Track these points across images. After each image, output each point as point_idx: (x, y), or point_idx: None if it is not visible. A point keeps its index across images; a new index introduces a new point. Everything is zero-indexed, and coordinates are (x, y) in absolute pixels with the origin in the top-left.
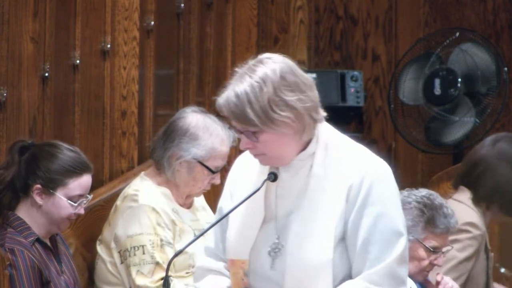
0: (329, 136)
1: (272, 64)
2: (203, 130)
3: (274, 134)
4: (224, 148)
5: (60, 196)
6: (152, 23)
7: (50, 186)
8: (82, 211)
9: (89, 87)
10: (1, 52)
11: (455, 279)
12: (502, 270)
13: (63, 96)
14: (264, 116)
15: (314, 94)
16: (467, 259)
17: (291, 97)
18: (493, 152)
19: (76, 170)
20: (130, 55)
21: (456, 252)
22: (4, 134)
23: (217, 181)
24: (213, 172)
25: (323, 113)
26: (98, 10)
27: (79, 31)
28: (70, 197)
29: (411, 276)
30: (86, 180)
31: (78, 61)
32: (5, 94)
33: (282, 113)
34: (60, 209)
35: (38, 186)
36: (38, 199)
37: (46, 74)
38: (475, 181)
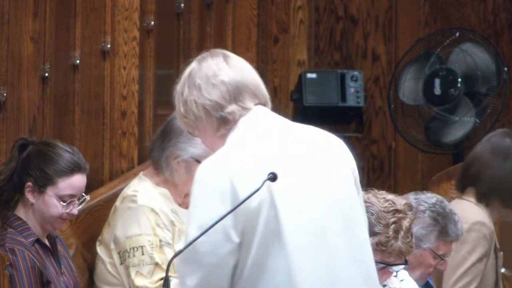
0: (236, 134)
1: (193, 63)
2: None
3: (194, 131)
4: None
5: (50, 194)
6: (152, 23)
7: (40, 184)
8: (75, 211)
9: (89, 87)
10: (1, 52)
11: (469, 283)
12: (502, 270)
13: (63, 96)
14: (178, 113)
15: (219, 91)
16: (479, 260)
17: (189, 97)
18: (487, 147)
19: (67, 169)
20: (130, 55)
21: (466, 254)
22: (4, 134)
23: None
24: None
25: (232, 109)
26: (98, 10)
27: (79, 31)
28: (60, 196)
29: (416, 280)
30: (77, 180)
31: (78, 61)
32: (5, 94)
33: (183, 112)
34: (49, 207)
35: (30, 184)
36: (30, 197)
37: (46, 74)
38: (473, 179)
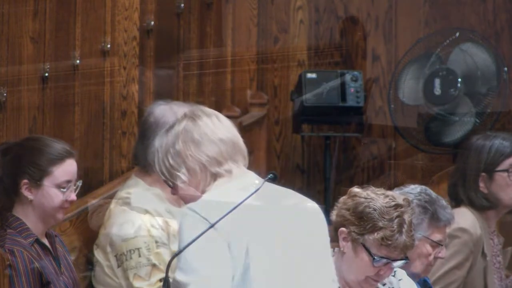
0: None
1: (185, 120)
2: (172, 117)
3: (176, 181)
4: None
5: (48, 185)
6: (152, 23)
7: (36, 178)
8: (74, 197)
9: (89, 87)
10: (1, 52)
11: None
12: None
13: (63, 96)
14: (163, 165)
15: (218, 149)
16: (456, 266)
17: (185, 151)
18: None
19: (58, 156)
20: (130, 55)
21: (445, 260)
22: (4, 134)
23: None
24: None
25: (229, 167)
26: (98, 10)
27: (79, 31)
28: (58, 184)
29: (418, 274)
30: (69, 164)
31: (78, 61)
32: (5, 94)
33: (172, 164)
34: (50, 198)
35: (25, 181)
36: (28, 194)
37: (46, 74)
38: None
